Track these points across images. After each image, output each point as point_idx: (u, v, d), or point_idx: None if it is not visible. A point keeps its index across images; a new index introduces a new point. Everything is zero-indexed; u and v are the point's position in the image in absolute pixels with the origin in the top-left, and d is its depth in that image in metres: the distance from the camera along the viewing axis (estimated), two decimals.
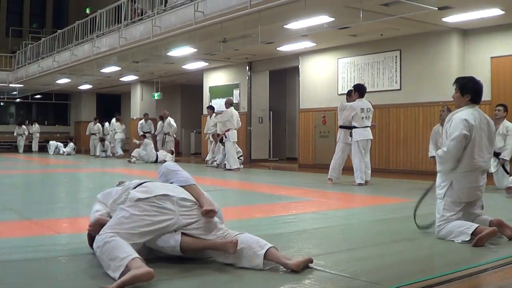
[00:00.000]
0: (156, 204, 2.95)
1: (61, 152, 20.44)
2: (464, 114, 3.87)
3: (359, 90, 8.44)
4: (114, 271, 2.62)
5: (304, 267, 2.89)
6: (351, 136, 8.38)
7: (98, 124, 20.26)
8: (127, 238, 2.81)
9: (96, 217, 3.16)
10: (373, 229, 4.52)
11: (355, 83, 11.65)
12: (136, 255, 2.65)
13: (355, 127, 8.27)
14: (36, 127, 22.27)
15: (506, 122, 7.64)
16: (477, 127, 3.85)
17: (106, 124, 19.87)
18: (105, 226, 2.91)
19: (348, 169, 8.89)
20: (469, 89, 3.95)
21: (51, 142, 21.17)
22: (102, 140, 18.92)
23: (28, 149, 22.12)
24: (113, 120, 18.84)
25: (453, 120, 3.92)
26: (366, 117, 8.28)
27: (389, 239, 4.01)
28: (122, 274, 2.55)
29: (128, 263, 2.58)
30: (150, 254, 3.06)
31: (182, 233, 2.95)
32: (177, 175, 3.24)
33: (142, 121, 17.37)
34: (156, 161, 14.69)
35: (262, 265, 2.87)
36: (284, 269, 2.87)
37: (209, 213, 3.01)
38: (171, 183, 3.20)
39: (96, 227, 3.04)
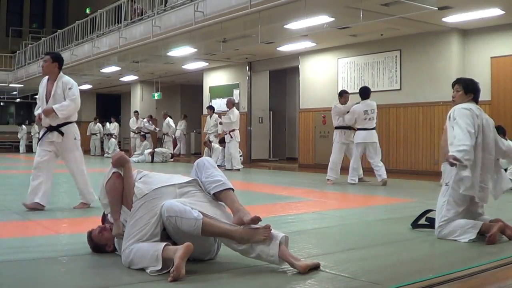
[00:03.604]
0: (157, 194, 3.00)
1: None
2: (468, 105, 3.92)
3: (360, 94, 8.52)
4: (155, 266, 2.76)
5: (310, 270, 2.85)
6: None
7: (99, 124, 20.24)
8: (148, 231, 2.91)
9: (121, 153, 3.25)
10: (373, 229, 4.52)
11: (355, 83, 11.75)
12: (161, 245, 2.79)
13: (373, 128, 8.31)
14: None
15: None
16: (481, 117, 3.90)
17: (108, 124, 19.77)
18: (123, 242, 2.98)
19: (347, 169, 8.88)
20: (472, 89, 4.08)
21: None
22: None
23: (29, 149, 22.11)
24: (133, 119, 17.87)
25: (457, 111, 3.90)
26: (370, 118, 8.28)
27: (389, 239, 4.00)
28: (164, 264, 2.74)
29: (163, 253, 2.74)
30: None
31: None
32: (214, 173, 3.14)
33: (149, 121, 17.35)
34: (152, 161, 14.72)
35: (278, 257, 2.79)
36: (284, 270, 2.87)
37: (256, 220, 2.90)
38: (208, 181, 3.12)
39: (117, 159, 3.13)
